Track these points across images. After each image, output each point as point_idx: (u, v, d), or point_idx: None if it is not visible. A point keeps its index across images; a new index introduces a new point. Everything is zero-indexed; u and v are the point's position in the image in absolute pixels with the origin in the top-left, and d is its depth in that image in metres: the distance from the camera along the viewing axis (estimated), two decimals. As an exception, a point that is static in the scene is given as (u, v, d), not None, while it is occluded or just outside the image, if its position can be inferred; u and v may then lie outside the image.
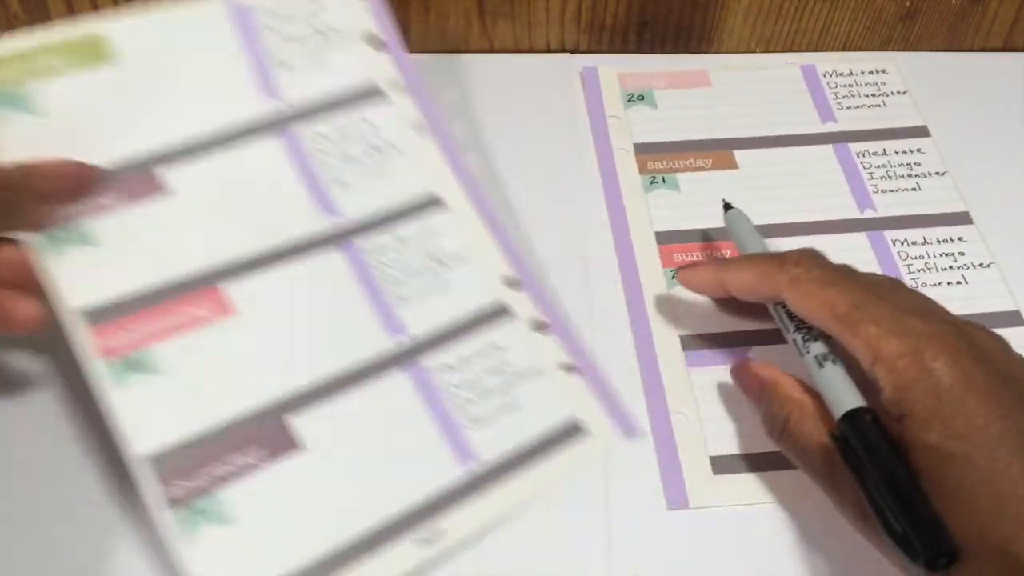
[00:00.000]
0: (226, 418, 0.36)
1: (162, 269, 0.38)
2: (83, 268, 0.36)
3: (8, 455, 0.39)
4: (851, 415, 0.34)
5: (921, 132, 0.52)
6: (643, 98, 0.53)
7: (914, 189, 0.50)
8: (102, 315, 0.36)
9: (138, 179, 0.39)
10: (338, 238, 0.41)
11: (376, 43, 0.45)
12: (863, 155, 0.51)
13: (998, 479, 0.30)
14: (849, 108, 0.53)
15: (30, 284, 0.36)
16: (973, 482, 0.30)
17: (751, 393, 0.40)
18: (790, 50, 0.56)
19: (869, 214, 0.48)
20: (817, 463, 0.36)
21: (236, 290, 0.38)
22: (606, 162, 0.50)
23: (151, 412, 0.35)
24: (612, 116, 0.52)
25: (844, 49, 0.56)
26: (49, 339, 0.37)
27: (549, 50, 0.55)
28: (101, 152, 0.38)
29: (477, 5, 0.53)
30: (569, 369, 0.42)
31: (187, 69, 0.40)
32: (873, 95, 0.54)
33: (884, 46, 0.56)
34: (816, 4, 0.54)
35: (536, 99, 0.53)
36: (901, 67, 0.55)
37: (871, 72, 0.55)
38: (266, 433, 0.36)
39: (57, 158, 0.36)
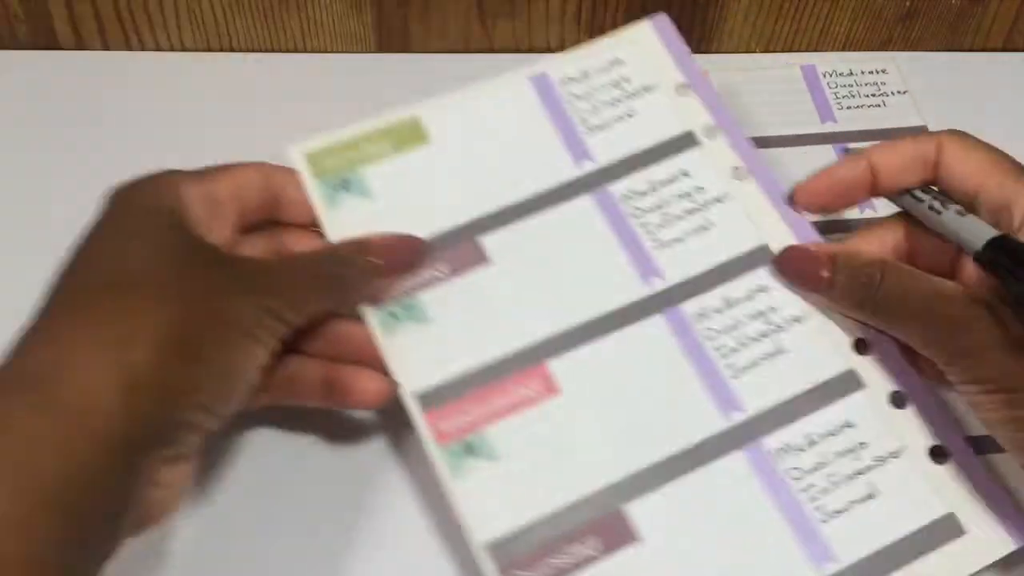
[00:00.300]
0: (562, 504, 0.35)
1: (489, 345, 0.37)
2: (415, 347, 0.37)
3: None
4: (1000, 238, 0.35)
5: (921, 132, 0.52)
6: (643, 98, 0.53)
7: (914, 189, 0.50)
8: (436, 398, 0.36)
9: (461, 249, 0.39)
10: (662, 303, 0.38)
11: (681, 88, 0.42)
12: (863, 155, 0.51)
13: None
14: (849, 108, 0.53)
15: (372, 359, 0.37)
16: None
17: (813, 278, 0.38)
18: (790, 50, 0.56)
19: (869, 213, 0.48)
20: (928, 309, 0.35)
21: (560, 366, 0.37)
22: (606, 162, 0.50)
23: (489, 498, 0.35)
24: (612, 116, 0.52)
25: (844, 49, 0.56)
26: (387, 416, 0.38)
27: (549, 50, 0.55)
28: (425, 225, 0.39)
29: (477, 5, 0.53)
30: (939, 454, 0.37)
31: (497, 141, 0.41)
32: (873, 95, 0.54)
33: (884, 46, 0.56)
34: (816, 4, 0.54)
35: (536, 99, 0.53)
36: (901, 67, 0.55)
37: (871, 72, 0.55)
38: (603, 522, 0.35)
39: (387, 232, 0.37)
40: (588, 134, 0.41)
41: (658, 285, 0.39)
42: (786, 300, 0.39)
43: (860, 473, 0.36)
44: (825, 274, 0.37)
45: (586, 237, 0.39)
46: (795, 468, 0.36)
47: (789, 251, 0.39)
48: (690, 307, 0.38)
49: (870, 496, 0.36)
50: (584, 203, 0.40)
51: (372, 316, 0.37)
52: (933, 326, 0.35)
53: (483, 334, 0.37)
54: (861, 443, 0.36)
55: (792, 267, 0.39)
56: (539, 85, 0.42)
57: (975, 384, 0.34)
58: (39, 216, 0.47)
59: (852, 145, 0.51)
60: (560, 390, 0.36)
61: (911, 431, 0.37)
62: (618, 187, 0.40)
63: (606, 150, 0.41)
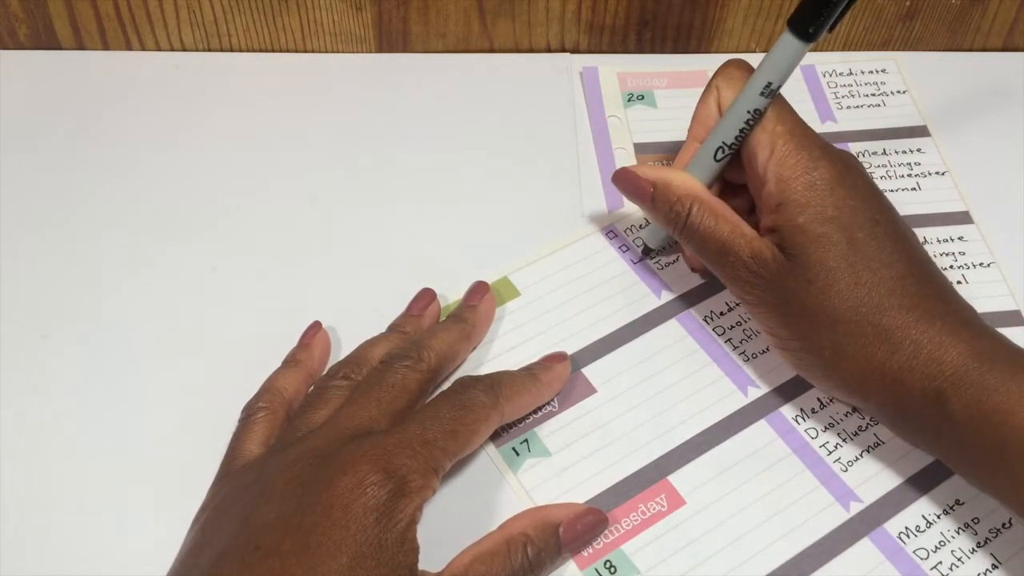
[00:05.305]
0: None
1: (613, 467, 0.39)
2: (543, 478, 0.39)
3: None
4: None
5: (921, 132, 0.52)
6: (643, 98, 0.53)
7: (914, 189, 0.50)
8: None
9: (572, 381, 0.42)
10: (763, 411, 0.41)
11: None
12: (863, 155, 0.51)
13: (852, 252, 0.37)
14: (849, 108, 0.53)
15: None
16: (834, 255, 0.37)
17: (642, 198, 0.41)
18: (790, 50, 0.56)
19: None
20: (720, 256, 0.39)
21: (679, 479, 0.39)
22: (606, 162, 0.50)
23: None
24: (612, 116, 0.52)
25: (844, 49, 0.56)
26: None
27: (549, 50, 0.55)
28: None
29: (477, 5, 0.53)
30: None
31: (581, 285, 0.45)
32: (873, 95, 0.54)
33: (884, 46, 0.56)
34: (816, 4, 0.53)
35: (536, 99, 0.53)
36: (901, 67, 0.55)
37: (871, 72, 0.55)
38: None
39: (572, 505, 0.38)
40: (662, 271, 0.45)
41: (755, 394, 0.42)
42: None
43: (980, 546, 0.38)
44: (650, 189, 0.41)
45: (680, 351, 0.43)
46: (922, 548, 0.37)
47: (619, 172, 0.42)
48: (788, 411, 0.41)
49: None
50: (670, 327, 0.44)
51: (497, 456, 0.40)
52: (721, 273, 0.40)
53: (604, 457, 0.40)
54: (974, 518, 0.38)
55: (622, 186, 0.42)
56: (611, 237, 0.47)
57: (757, 323, 0.40)
58: (40, 215, 0.47)
59: (852, 145, 0.51)
60: (685, 501, 0.38)
61: None
62: (700, 309, 0.44)
63: (679, 281, 0.45)
